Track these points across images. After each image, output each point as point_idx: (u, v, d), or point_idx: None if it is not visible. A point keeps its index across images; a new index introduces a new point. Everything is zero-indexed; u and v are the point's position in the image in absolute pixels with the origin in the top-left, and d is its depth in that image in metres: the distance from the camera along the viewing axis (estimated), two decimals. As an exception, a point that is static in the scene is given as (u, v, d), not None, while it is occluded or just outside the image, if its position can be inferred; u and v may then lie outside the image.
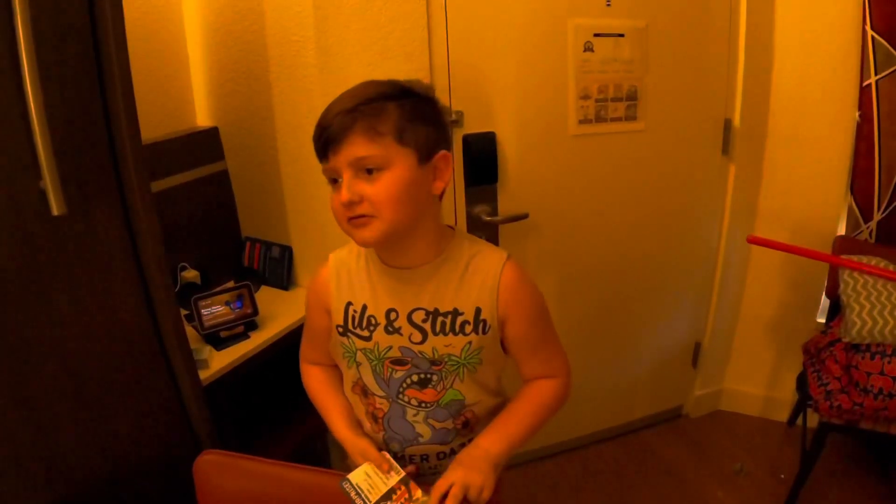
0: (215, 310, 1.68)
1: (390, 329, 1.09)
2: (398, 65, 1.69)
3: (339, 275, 1.15)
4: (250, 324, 1.76)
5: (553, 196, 2.04)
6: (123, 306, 1.31)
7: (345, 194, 0.96)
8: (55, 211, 1.08)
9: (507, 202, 1.97)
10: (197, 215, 2.05)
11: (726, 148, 2.23)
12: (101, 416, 1.30)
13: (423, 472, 1.18)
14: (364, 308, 1.11)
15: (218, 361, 1.60)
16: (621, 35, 1.91)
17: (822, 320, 2.32)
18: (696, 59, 2.08)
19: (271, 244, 2.06)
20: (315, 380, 1.27)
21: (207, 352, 1.60)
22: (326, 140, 0.98)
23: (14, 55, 1.02)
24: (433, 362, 1.09)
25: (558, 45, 1.87)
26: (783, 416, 2.57)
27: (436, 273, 1.08)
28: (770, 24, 2.14)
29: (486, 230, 1.95)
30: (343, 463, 1.54)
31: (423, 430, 1.14)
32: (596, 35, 1.89)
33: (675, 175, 2.19)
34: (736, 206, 2.31)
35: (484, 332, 1.09)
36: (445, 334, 1.08)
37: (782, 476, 2.26)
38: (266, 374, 1.79)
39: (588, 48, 1.89)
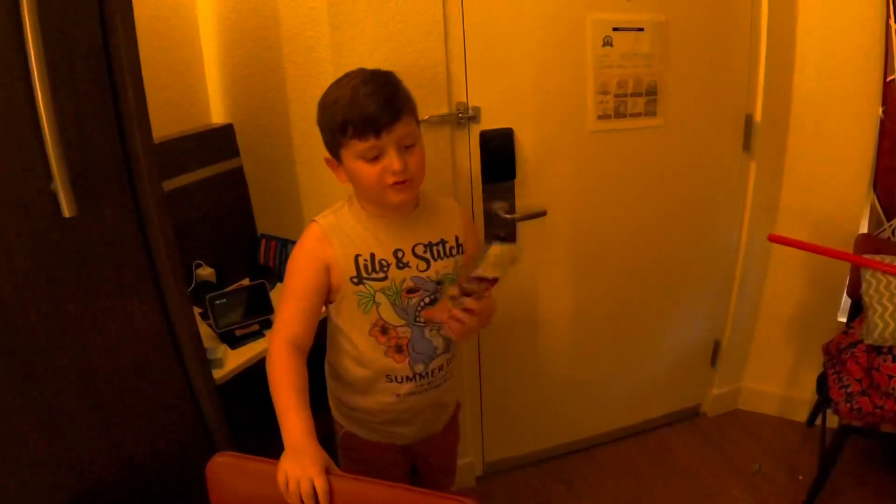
0: (230, 308, 1.67)
1: (401, 265, 1.32)
2: (414, 60, 1.66)
3: (338, 235, 1.31)
4: (265, 322, 1.74)
5: (571, 193, 2.02)
6: (136, 307, 1.31)
7: (400, 164, 1.21)
8: (66, 213, 1.09)
9: (525, 199, 1.95)
10: (212, 213, 2.04)
11: (747, 144, 2.20)
12: (113, 416, 1.30)
13: (438, 383, 1.44)
14: (373, 255, 1.31)
15: (233, 360, 1.59)
16: (641, 29, 1.88)
17: (843, 320, 2.28)
18: (717, 54, 2.04)
19: (287, 241, 2.04)
20: (287, 367, 1.20)
21: (222, 351, 1.59)
22: (378, 124, 1.18)
23: (23, 58, 1.02)
24: (437, 283, 1.36)
25: (577, 39, 1.84)
26: (802, 416, 2.53)
27: (421, 215, 1.37)
28: (792, 19, 2.09)
29: (503, 227, 1.93)
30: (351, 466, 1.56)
31: (439, 342, 1.39)
32: (615, 29, 1.86)
33: (695, 171, 2.16)
34: (757, 203, 2.27)
35: (462, 253, 1.40)
36: (443, 259, 1.37)
37: (800, 477, 2.23)
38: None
39: (607, 42, 1.86)
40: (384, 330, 1.35)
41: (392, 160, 1.21)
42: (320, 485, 1.05)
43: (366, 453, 1.52)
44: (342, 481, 1.07)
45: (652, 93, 1.96)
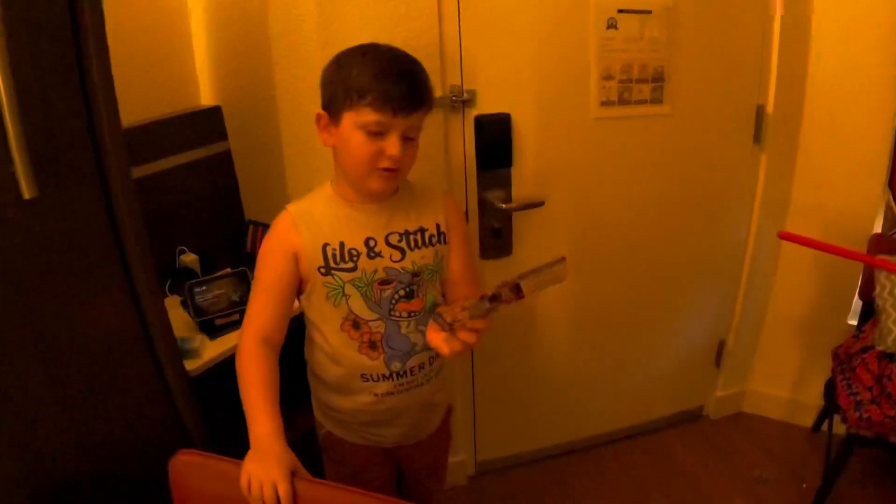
0: (210, 296, 1.60)
1: (372, 254, 1.25)
2: (406, 40, 1.58)
3: (306, 222, 1.25)
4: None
5: (572, 183, 1.94)
6: (105, 295, 1.26)
7: (399, 151, 1.16)
8: (26, 194, 1.05)
9: (523, 188, 1.87)
10: (198, 198, 2.00)
11: (758, 136, 2.11)
12: (79, 408, 1.25)
13: (420, 382, 1.36)
14: (342, 244, 1.24)
15: (211, 350, 1.53)
16: (648, 12, 1.79)
17: (854, 323, 2.22)
18: (728, 40, 1.95)
19: (274, 228, 1.97)
20: (256, 364, 1.16)
21: (199, 340, 1.53)
22: (400, 104, 1.13)
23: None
24: (414, 274, 1.28)
25: (580, 21, 1.76)
26: (808, 421, 2.47)
27: (398, 202, 1.30)
28: (808, 6, 2.00)
29: (498, 217, 1.86)
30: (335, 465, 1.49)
31: (417, 338, 1.31)
32: (620, 11, 1.77)
33: (703, 163, 2.08)
34: (767, 198, 2.19)
35: (445, 242, 1.34)
36: (420, 248, 1.29)
37: (804, 485, 2.17)
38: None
39: (612, 25, 1.78)
40: (356, 324, 1.28)
41: (393, 144, 1.16)
42: (283, 489, 0.99)
43: (347, 454, 1.45)
44: (308, 486, 1.01)
45: (658, 79, 1.88)
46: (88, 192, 1.20)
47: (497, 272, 1.91)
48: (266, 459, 1.02)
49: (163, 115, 1.91)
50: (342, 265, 1.24)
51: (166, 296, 1.81)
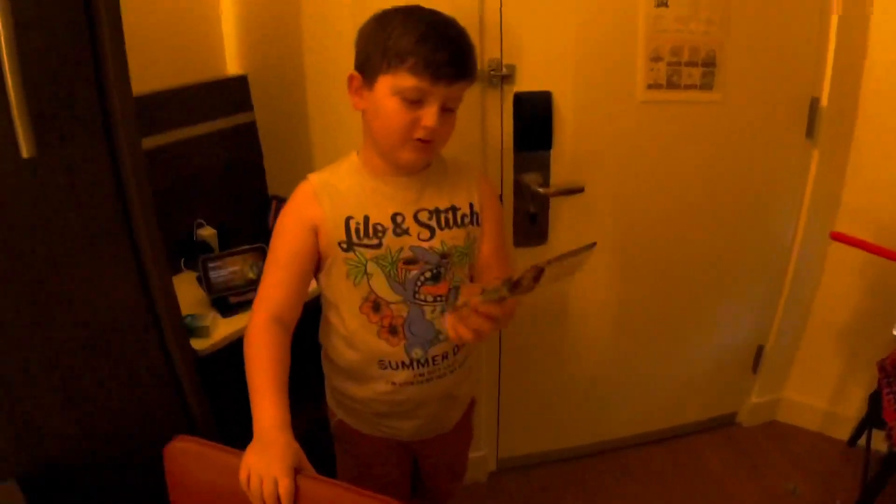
0: (225, 272, 1.53)
1: (399, 231, 1.18)
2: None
3: (329, 193, 1.17)
4: (265, 289, 1.60)
5: (613, 169, 1.84)
6: (109, 266, 1.18)
7: (435, 122, 1.08)
8: (25, 153, 0.98)
9: (562, 172, 1.77)
10: (220, 169, 1.94)
11: (810, 130, 1.99)
12: (78, 385, 1.18)
13: (442, 372, 1.28)
14: (367, 219, 1.17)
15: (223, 329, 1.47)
16: (702, -10, 1.68)
17: (903, 332, 2.09)
18: (783, 26, 1.83)
19: (297, 204, 1.90)
20: (265, 345, 1.08)
21: (211, 318, 1.46)
22: (443, 72, 1.06)
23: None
24: (442, 255, 1.20)
25: (629, -4, 1.66)
26: (845, 434, 2.35)
27: (430, 177, 1.22)
28: (868, -1, 1.87)
29: (535, 202, 1.77)
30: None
31: (442, 325, 1.22)
32: (671, -13, 1.66)
33: (752, 157, 1.96)
34: (817, 196, 2.07)
35: (478, 224, 1.26)
36: (451, 228, 1.22)
37: (838, 502, 2.07)
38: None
39: (662, 3, 1.66)
40: (376, 306, 1.20)
41: (430, 114, 1.09)
42: (284, 486, 0.91)
43: (359, 446, 1.38)
44: (312, 484, 0.93)
45: (710, 64, 1.76)
46: (95, 157, 1.12)
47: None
48: (268, 452, 0.94)
49: (187, 83, 1.85)
50: (365, 241, 1.17)
51: (181, 270, 1.76)
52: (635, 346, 2.17)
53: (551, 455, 2.30)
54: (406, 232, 1.18)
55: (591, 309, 2.05)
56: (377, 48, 1.08)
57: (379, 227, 1.17)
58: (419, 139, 1.10)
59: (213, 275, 1.53)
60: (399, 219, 1.18)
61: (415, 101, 1.08)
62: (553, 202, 1.80)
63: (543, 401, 2.19)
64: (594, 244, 1.03)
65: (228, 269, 1.55)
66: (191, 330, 1.37)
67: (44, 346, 1.12)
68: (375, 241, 1.16)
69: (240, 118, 1.95)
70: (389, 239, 1.17)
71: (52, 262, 1.10)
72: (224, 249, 1.80)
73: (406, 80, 1.06)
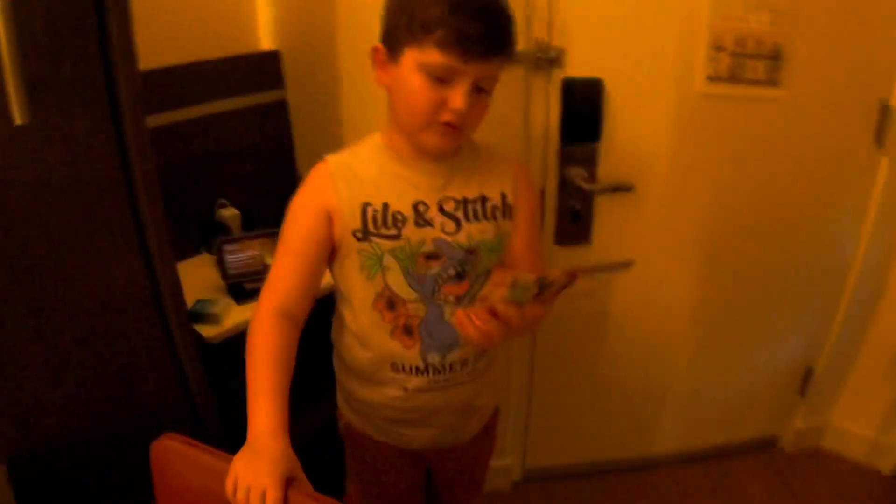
0: (242, 257, 1.44)
1: (421, 222, 1.08)
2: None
3: (346, 177, 1.07)
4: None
5: (666, 167, 1.72)
6: (110, 247, 1.13)
7: (464, 104, 0.97)
8: (17, 119, 0.95)
9: (610, 168, 1.67)
10: (247, 147, 1.88)
11: (880, 137, 1.83)
12: (74, 368, 1.14)
13: (461, 380, 1.17)
14: (385, 206, 1.07)
15: (236, 316, 1.40)
16: (773, -24, 1.56)
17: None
18: (857, 20, 1.68)
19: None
20: (269, 340, 0.99)
21: (223, 305, 1.38)
22: (474, 48, 0.94)
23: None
24: (468, 251, 1.10)
25: (691, -24, 1.55)
26: (891, 466, 2.22)
27: (460, 164, 1.12)
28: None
29: (579, 198, 1.66)
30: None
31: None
32: (741, -29, 1.54)
33: (816, 161, 1.82)
34: (884, 209, 1.92)
35: (510, 217, 1.14)
36: (479, 220, 1.11)
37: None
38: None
39: (728, -15, 1.55)
40: (391, 304, 1.10)
41: (458, 95, 0.97)
42: (271, 500, 0.82)
43: (368, 451, 1.28)
44: (303, 500, 0.84)
45: (776, 57, 1.63)
46: (99, 131, 1.08)
47: (570, 262, 1.72)
48: (259, 461, 0.85)
49: (217, 56, 1.78)
50: (383, 231, 1.07)
51: (198, 252, 1.68)
52: (678, 360, 2.06)
53: (580, 468, 2.22)
54: (429, 223, 1.08)
55: (631, 315, 1.95)
56: (403, 16, 0.97)
57: (399, 216, 1.07)
58: (445, 123, 0.99)
59: (229, 259, 1.45)
60: (422, 208, 1.08)
61: (442, 80, 0.97)
62: (598, 199, 1.70)
63: (576, 410, 2.11)
64: (631, 262, 0.93)
65: (246, 254, 1.47)
66: (200, 316, 1.30)
67: (38, 327, 1.07)
68: (394, 232, 1.07)
69: (271, 95, 1.88)
70: (410, 230, 1.07)
71: (48, 240, 1.05)
72: (247, 231, 1.73)
73: (432, 55, 0.95)
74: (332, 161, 1.10)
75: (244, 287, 1.47)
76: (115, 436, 1.23)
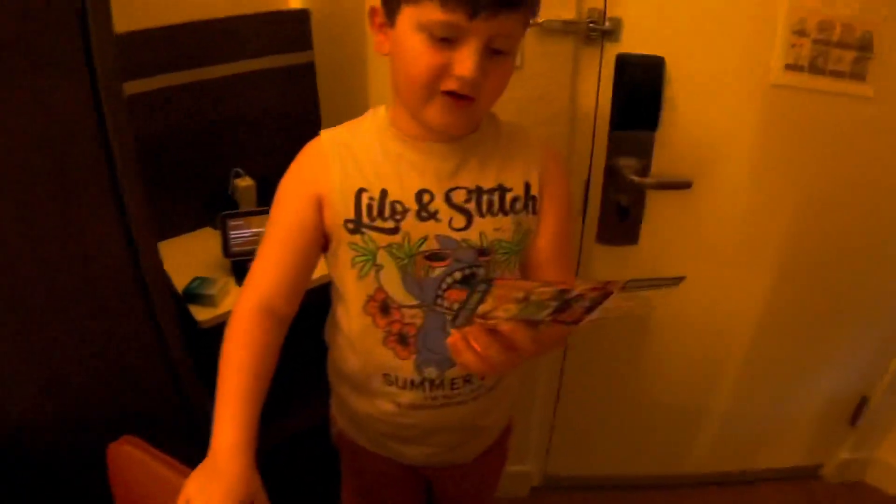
0: (247, 233, 1.31)
1: (424, 215, 0.94)
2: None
3: (341, 156, 0.93)
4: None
5: (730, 164, 1.54)
6: (88, 222, 1.05)
7: (474, 70, 0.80)
8: None
9: (666, 161, 1.49)
10: (269, 113, 1.76)
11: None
12: (49, 350, 1.07)
13: (462, 399, 1.03)
14: (384, 194, 0.93)
15: (233, 299, 1.28)
16: (867, -45, 1.37)
17: None
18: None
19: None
20: (245, 341, 0.87)
21: (221, 285, 1.26)
22: (480, 1, 0.77)
23: None
24: (480, 251, 0.95)
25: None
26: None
27: (475, 146, 0.96)
28: None
29: (629, 193, 1.50)
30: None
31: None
32: (830, -54, 1.35)
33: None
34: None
35: (534, 212, 0.99)
36: (494, 215, 0.96)
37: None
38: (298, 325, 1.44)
39: (813, -40, 1.36)
40: (385, 308, 0.96)
41: (467, 59, 0.80)
42: None
43: (362, 463, 1.16)
44: None
45: (865, 48, 1.43)
46: (74, 94, 0.99)
47: (613, 264, 1.58)
48: (216, 481, 0.76)
49: (240, 13, 1.66)
50: (378, 223, 0.93)
51: (211, 224, 1.57)
52: (722, 380, 1.91)
53: (603, 480, 2.13)
54: (433, 216, 0.93)
55: (673, 329, 1.79)
56: None
57: (398, 207, 0.93)
58: (450, 92, 0.83)
59: (232, 234, 1.33)
60: (426, 198, 0.93)
61: (447, 40, 0.80)
62: (650, 195, 1.53)
63: (605, 421, 2.00)
64: (682, 278, 0.72)
65: (251, 230, 1.34)
66: (195, 296, 1.18)
67: (12, 311, 1.00)
68: (391, 225, 0.93)
69: (297, 58, 1.75)
70: (410, 223, 0.93)
71: (19, 212, 0.97)
72: (262, 204, 1.61)
73: (430, 12, 0.79)
74: (327, 138, 0.97)
75: (247, 266, 1.34)
76: (98, 424, 1.13)
